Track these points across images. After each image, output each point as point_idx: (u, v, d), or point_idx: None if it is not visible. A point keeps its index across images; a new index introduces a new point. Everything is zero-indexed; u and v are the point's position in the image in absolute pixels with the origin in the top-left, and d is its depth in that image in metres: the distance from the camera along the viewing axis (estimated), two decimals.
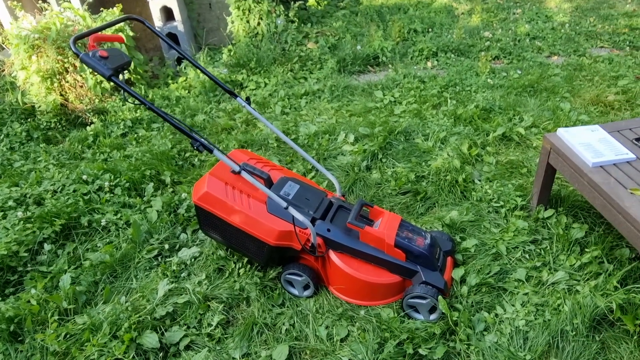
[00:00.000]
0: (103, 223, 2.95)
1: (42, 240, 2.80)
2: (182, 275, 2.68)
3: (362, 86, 4.76)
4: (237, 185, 2.43)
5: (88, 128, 4.18)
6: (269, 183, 2.50)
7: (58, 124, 4.27)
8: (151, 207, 3.10)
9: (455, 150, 3.45)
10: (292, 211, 2.26)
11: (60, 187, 3.26)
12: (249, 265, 2.63)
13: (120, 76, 2.23)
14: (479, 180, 3.19)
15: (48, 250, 2.76)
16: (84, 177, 3.29)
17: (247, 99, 2.62)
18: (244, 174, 2.22)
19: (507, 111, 4.01)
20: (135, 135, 4.12)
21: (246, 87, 5.02)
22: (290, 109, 4.46)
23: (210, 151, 2.19)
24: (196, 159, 3.71)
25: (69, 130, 4.30)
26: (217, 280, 2.61)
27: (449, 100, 4.25)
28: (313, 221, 2.41)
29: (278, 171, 2.69)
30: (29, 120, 4.30)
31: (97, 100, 4.48)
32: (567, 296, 2.24)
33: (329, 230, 2.37)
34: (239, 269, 2.65)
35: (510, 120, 3.89)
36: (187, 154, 3.78)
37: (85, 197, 3.12)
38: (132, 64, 4.65)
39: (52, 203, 3.04)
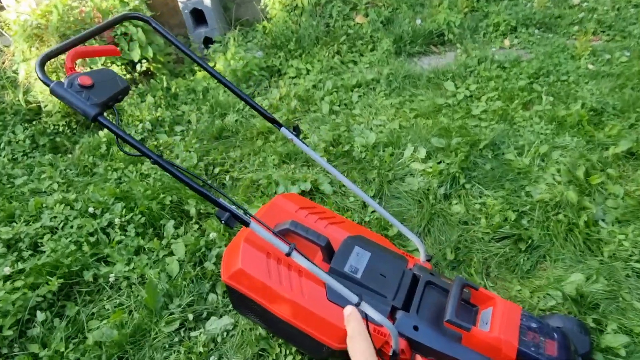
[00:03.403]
0: (111, 279, 2.32)
1: (34, 306, 2.20)
2: (212, 359, 2.03)
3: (427, 74, 3.86)
4: (284, 258, 1.72)
5: (101, 133, 3.52)
6: (328, 251, 1.77)
7: (67, 127, 3.64)
8: (172, 254, 2.44)
9: (565, 173, 2.59)
10: (367, 308, 1.54)
11: (62, 223, 2.63)
12: (300, 356, 1.95)
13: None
14: (604, 222, 2.34)
15: (42, 322, 2.15)
16: (91, 209, 2.65)
17: (296, 129, 1.85)
18: (296, 257, 1.49)
19: (626, 114, 3.06)
20: (156, 141, 3.44)
21: (284, 74, 4.22)
22: (339, 105, 3.65)
23: (246, 224, 1.46)
24: (227, 177, 3.01)
25: (79, 135, 3.66)
26: None
27: (543, 97, 3.32)
28: (393, 312, 1.68)
29: (338, 226, 1.95)
30: (33, 122, 3.68)
31: None
32: None
33: (416, 328, 1.64)
34: (285, 356, 1.98)
35: (632, 127, 2.95)
36: (217, 170, 3.08)
37: (92, 239, 2.49)
38: (152, 51, 3.91)
39: (50, 248, 2.42)
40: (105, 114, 1.35)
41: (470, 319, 1.72)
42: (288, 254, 1.48)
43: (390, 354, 1.62)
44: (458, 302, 1.64)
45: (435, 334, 1.63)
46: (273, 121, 1.83)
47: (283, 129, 1.83)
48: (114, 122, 1.38)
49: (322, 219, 1.94)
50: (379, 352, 1.63)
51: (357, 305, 1.52)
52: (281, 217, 1.87)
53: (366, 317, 1.57)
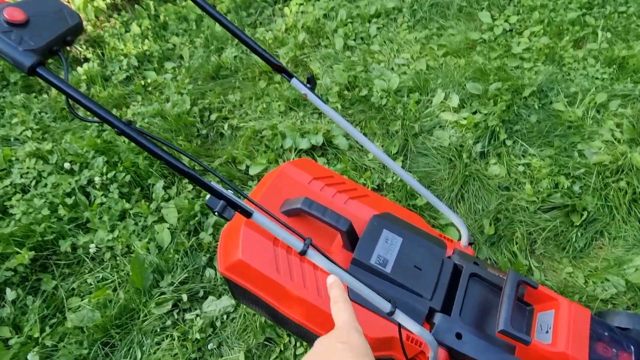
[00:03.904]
0: (92, 250, 2.00)
1: (3, 281, 1.90)
2: (209, 346, 1.76)
3: (458, 2, 3.28)
4: None
5: (80, 69, 3.05)
6: (350, 237, 1.41)
7: None
8: (162, 220, 2.09)
9: (627, 130, 2.16)
10: (401, 318, 1.21)
11: (35, 180, 2.27)
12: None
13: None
14: None
15: (12, 300, 1.86)
16: (67, 165, 2.27)
17: (310, 80, 1.42)
18: (312, 255, 1.13)
19: None
20: (144, 81, 2.98)
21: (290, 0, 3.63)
22: (355, 40, 3.12)
23: (248, 215, 1.09)
24: (226, 126, 2.59)
25: (57, 70, 3.19)
26: None
27: (599, 33, 2.80)
28: (431, 315, 1.36)
29: (361, 201, 1.58)
30: None
31: (89, 27, 3.28)
32: None
33: (459, 336, 1.33)
34: (295, 347, 1.70)
35: None
36: (214, 116, 2.65)
37: (69, 200, 2.13)
38: None
39: (21, 211, 2.07)
40: (48, 62, 0.93)
41: (525, 323, 1.40)
42: (302, 253, 1.12)
43: None
44: (513, 307, 1.31)
45: (483, 343, 1.32)
46: (281, 70, 1.39)
47: (294, 81, 1.40)
48: (62, 76, 0.96)
49: (341, 193, 1.57)
50: (407, 356, 1.33)
51: (390, 314, 1.20)
52: (291, 191, 1.50)
53: (399, 326, 1.25)
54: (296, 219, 1.46)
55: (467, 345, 1.31)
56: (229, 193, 1.07)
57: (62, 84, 0.95)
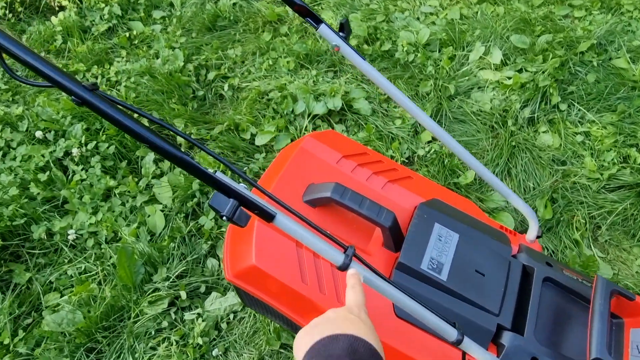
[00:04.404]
0: (72, 236, 1.68)
1: None
2: (214, 353, 1.48)
3: None
4: None
5: (54, 19, 2.63)
6: (394, 233, 1.10)
7: (8, 11, 2.71)
8: (154, 200, 1.77)
9: None
10: (469, 346, 0.91)
11: (2, 152, 1.92)
12: None
13: None
14: None
15: None
16: (40, 133, 1.92)
17: (343, 28, 1.04)
18: (357, 268, 0.81)
19: None
20: (128, 32, 2.56)
21: None
22: None
23: (269, 219, 0.77)
24: (226, 86, 2.22)
25: (27, 21, 2.75)
26: None
27: None
28: (498, 333, 1.07)
29: (401, 184, 1.25)
30: None
31: None
32: None
33: None
34: None
35: None
36: (211, 75, 2.27)
37: (42, 176, 1.80)
38: None
39: None
40: None
41: (614, 342, 1.11)
42: (343, 268, 0.80)
43: None
44: (608, 328, 1.01)
45: None
46: (306, 12, 1.02)
47: (323, 28, 1.03)
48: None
49: (377, 174, 1.24)
50: None
51: (457, 344, 0.90)
52: (316, 173, 1.17)
53: (463, 355, 0.96)
54: (322, 209, 1.14)
55: None
56: (242, 187, 0.75)
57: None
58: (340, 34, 1.05)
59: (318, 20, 1.03)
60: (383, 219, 1.06)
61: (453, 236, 1.14)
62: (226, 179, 0.72)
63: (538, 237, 1.28)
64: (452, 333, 0.89)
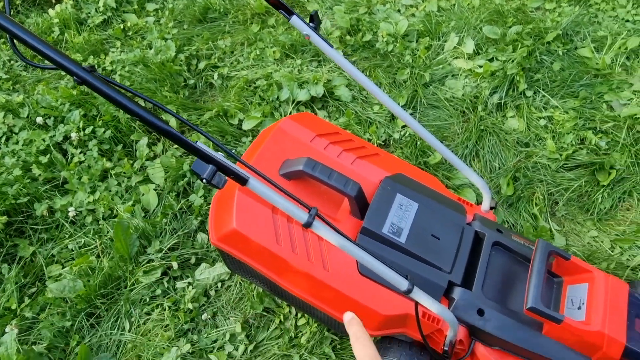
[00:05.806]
0: (72, 213, 1.82)
1: None
2: (203, 317, 1.63)
3: None
4: None
5: (52, 11, 2.74)
6: (360, 202, 1.24)
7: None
8: (148, 180, 1.90)
9: None
10: (420, 296, 1.06)
11: (5, 137, 2.05)
12: (316, 323, 1.54)
13: None
14: None
15: None
16: (40, 119, 2.05)
17: (313, 18, 1.18)
18: (318, 227, 0.96)
19: None
20: (123, 24, 2.68)
21: None
22: None
23: (243, 182, 0.91)
24: (216, 75, 2.35)
25: (25, 13, 2.87)
26: (261, 335, 1.57)
27: None
28: (449, 289, 1.22)
29: (370, 160, 1.39)
30: None
31: None
32: None
33: (481, 312, 1.19)
34: (296, 318, 1.57)
35: None
36: (202, 65, 2.40)
37: (43, 159, 1.93)
38: None
39: None
40: None
41: (553, 297, 1.26)
42: (307, 225, 0.94)
43: (445, 347, 1.18)
44: (544, 282, 1.16)
45: (507, 320, 1.18)
46: (279, 5, 1.15)
47: (295, 19, 1.16)
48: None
49: (347, 151, 1.38)
50: (425, 339, 1.19)
51: (407, 292, 1.04)
52: (291, 150, 1.31)
53: (416, 304, 1.11)
54: (297, 182, 1.28)
55: (490, 323, 1.18)
56: (220, 156, 0.89)
57: (3, 19, 0.74)
58: (311, 24, 1.19)
59: (290, 12, 1.16)
60: (349, 189, 1.20)
61: (413, 205, 1.28)
62: (205, 148, 0.86)
63: (492, 208, 1.42)
64: (403, 283, 1.03)
